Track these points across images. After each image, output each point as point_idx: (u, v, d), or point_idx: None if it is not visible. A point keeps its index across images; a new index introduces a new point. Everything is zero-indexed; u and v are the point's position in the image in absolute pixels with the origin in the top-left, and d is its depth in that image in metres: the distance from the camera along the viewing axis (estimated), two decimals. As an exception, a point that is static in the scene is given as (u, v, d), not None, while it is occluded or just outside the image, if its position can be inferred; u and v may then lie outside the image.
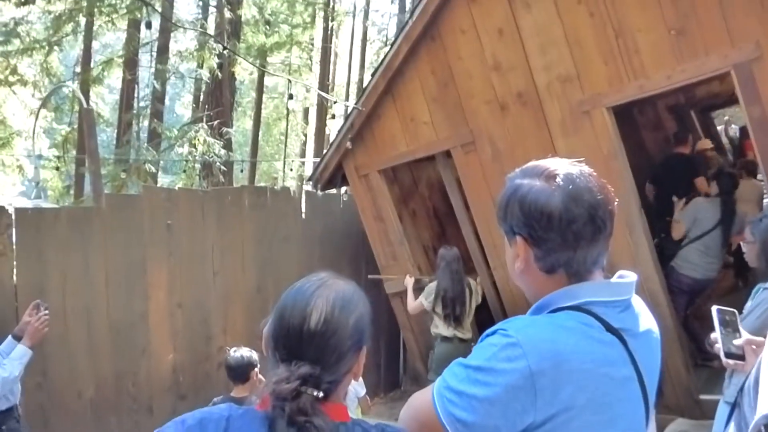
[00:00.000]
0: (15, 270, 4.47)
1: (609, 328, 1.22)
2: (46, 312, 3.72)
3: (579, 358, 1.15)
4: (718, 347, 2.09)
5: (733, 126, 12.11)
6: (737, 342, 2.07)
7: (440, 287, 5.42)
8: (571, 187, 1.23)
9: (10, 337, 3.71)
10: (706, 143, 7.89)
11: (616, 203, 1.29)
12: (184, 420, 1.19)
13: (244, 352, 3.86)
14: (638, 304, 1.34)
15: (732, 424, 1.77)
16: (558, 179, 1.24)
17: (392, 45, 6.02)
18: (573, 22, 4.79)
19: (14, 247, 4.48)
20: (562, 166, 1.28)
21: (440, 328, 5.47)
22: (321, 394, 1.18)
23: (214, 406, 1.24)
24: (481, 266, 5.98)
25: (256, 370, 3.85)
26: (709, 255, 5.45)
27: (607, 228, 1.26)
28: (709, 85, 8.13)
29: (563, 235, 1.22)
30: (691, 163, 6.17)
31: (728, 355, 2.07)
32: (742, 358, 2.07)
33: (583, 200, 1.22)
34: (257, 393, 1.21)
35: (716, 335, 2.11)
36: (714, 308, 2.14)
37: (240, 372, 3.81)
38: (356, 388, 4.35)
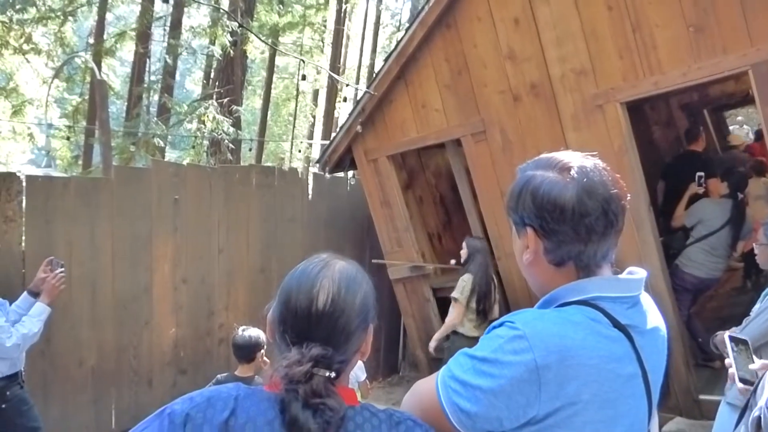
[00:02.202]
0: (23, 236, 4.49)
1: (616, 324, 1.21)
2: (62, 269, 3.75)
3: (585, 353, 1.14)
4: (733, 372, 2.13)
5: (745, 126, 12.04)
6: (753, 366, 2.11)
7: (476, 281, 5.17)
8: (585, 180, 1.22)
9: (25, 293, 3.75)
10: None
11: (628, 198, 1.28)
12: (192, 397, 1.19)
13: (252, 332, 3.88)
14: (647, 301, 1.33)
15: (742, 427, 1.79)
16: (572, 172, 1.23)
17: (407, 30, 5.99)
18: (590, 15, 4.75)
19: (23, 213, 4.50)
20: (576, 159, 1.27)
21: (465, 324, 5.21)
22: (333, 375, 1.17)
23: (222, 386, 1.23)
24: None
25: (262, 351, 3.87)
26: (714, 255, 5.43)
27: (618, 223, 1.25)
28: (724, 85, 8.08)
29: (575, 228, 1.21)
30: (703, 161, 6.15)
31: (743, 381, 2.10)
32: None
33: (597, 194, 1.22)
34: (264, 375, 1.20)
35: (730, 361, 2.15)
36: (726, 335, 2.20)
37: (246, 351, 3.83)
38: (356, 372, 4.36)
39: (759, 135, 9.23)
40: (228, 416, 1.13)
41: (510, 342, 1.14)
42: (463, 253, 5.37)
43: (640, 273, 1.32)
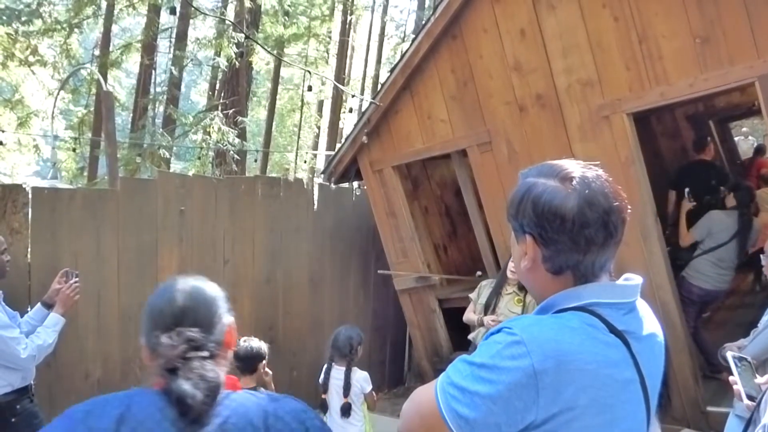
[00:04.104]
0: (29, 248, 4.49)
1: (613, 330, 1.21)
2: (77, 280, 3.74)
3: (582, 358, 1.15)
4: (738, 389, 2.15)
5: (750, 138, 12.03)
6: (759, 381, 2.14)
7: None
8: (587, 191, 1.22)
9: (39, 305, 3.74)
10: None
11: (629, 210, 1.28)
12: (93, 399, 1.35)
13: (253, 343, 3.86)
14: (643, 307, 1.34)
15: None
16: (574, 182, 1.24)
17: (413, 41, 6.01)
18: (597, 26, 4.75)
19: (29, 225, 4.50)
20: (578, 169, 1.27)
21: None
22: (207, 354, 1.34)
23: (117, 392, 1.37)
24: (491, 267, 5.97)
25: (264, 362, 3.86)
26: (721, 267, 5.39)
27: (618, 234, 1.25)
28: (729, 96, 8.07)
29: (575, 238, 1.22)
30: (711, 170, 6.12)
31: (749, 397, 2.13)
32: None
33: (597, 205, 1.22)
34: (150, 374, 1.36)
35: (735, 378, 2.18)
36: (729, 354, 2.24)
37: (248, 363, 3.81)
38: (362, 384, 4.36)
39: (759, 150, 9.32)
40: (124, 410, 1.28)
41: (508, 347, 1.15)
42: None
43: (636, 279, 1.32)
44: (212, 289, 1.50)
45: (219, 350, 1.40)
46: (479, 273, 6.39)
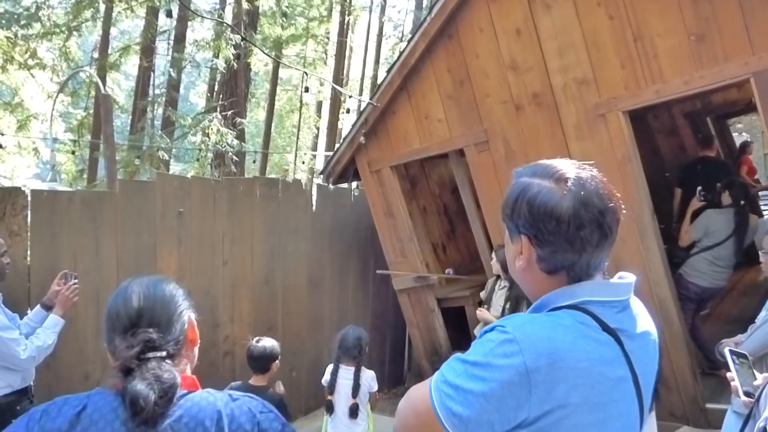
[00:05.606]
0: (29, 250, 4.50)
1: (605, 328, 1.22)
2: (76, 281, 3.77)
3: (575, 356, 1.15)
4: (736, 385, 2.15)
5: (744, 134, 12.05)
6: (756, 383, 2.14)
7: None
8: (582, 192, 1.23)
9: (38, 306, 3.76)
10: None
11: (623, 211, 1.29)
12: (54, 400, 1.35)
13: (266, 343, 3.90)
14: (637, 305, 1.34)
15: None
16: (569, 183, 1.24)
17: (409, 41, 6.02)
18: (592, 25, 4.76)
19: (29, 228, 4.51)
20: (573, 169, 1.28)
21: None
22: (164, 354, 1.35)
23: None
24: (488, 265, 5.97)
25: (277, 362, 3.90)
26: (718, 265, 5.39)
27: (612, 235, 1.26)
28: (726, 92, 8.08)
29: (570, 239, 1.22)
30: (717, 167, 6.10)
31: (746, 394, 2.12)
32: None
33: (593, 206, 1.23)
34: (108, 374, 1.36)
35: (733, 374, 2.18)
36: (727, 350, 2.23)
37: (262, 362, 3.86)
38: (370, 383, 4.36)
39: (742, 147, 9.35)
40: (80, 410, 1.30)
41: (501, 345, 1.15)
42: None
43: (629, 278, 1.33)
44: (170, 288, 1.50)
45: (179, 349, 1.41)
46: (449, 271, 6.42)
